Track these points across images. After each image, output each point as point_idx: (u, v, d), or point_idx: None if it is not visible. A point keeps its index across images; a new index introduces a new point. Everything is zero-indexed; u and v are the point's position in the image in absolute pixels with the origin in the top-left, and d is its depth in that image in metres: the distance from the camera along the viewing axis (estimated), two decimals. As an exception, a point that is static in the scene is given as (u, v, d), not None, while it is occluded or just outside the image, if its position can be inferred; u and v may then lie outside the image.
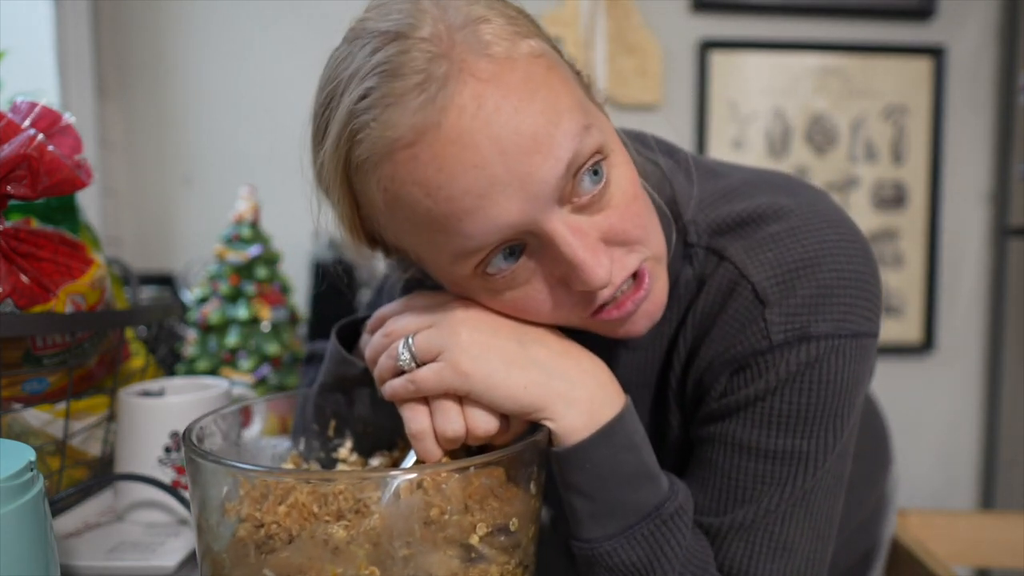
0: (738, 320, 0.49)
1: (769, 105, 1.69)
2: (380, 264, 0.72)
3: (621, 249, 0.46)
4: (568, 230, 0.42)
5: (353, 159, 0.42)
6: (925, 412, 1.76)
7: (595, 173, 0.43)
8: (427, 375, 0.45)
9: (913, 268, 1.72)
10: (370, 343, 0.51)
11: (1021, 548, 1.11)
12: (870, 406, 0.80)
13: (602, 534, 0.46)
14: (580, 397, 0.45)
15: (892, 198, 1.71)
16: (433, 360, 0.46)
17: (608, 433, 0.45)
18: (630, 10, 1.61)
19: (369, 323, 0.54)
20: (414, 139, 0.40)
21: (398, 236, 0.46)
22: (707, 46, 1.65)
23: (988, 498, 1.75)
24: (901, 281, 1.72)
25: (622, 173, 0.45)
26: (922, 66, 1.68)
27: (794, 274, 0.48)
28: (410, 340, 0.47)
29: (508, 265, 0.44)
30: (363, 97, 0.41)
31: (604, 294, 0.45)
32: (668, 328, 0.55)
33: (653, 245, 0.47)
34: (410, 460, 0.47)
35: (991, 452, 1.74)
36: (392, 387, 0.47)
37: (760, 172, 0.56)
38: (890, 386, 1.59)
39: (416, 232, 0.44)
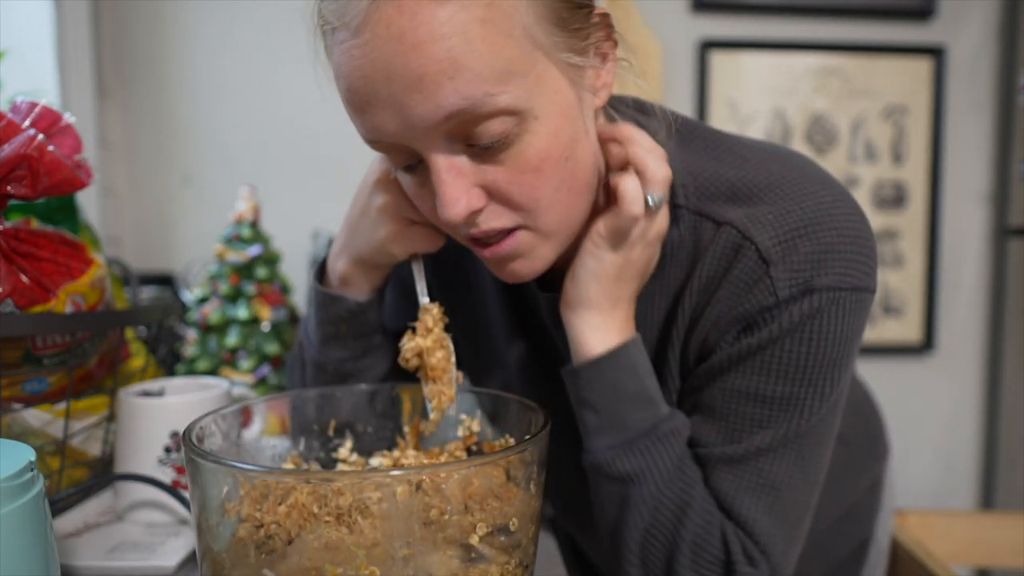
0: (744, 280, 0.51)
1: (769, 105, 1.69)
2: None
3: (503, 207, 0.48)
4: (445, 165, 0.46)
5: (321, 18, 0.47)
6: (925, 412, 1.76)
7: (496, 131, 0.45)
8: None
9: (913, 268, 1.72)
10: None
11: (1021, 548, 1.11)
12: (862, 393, 0.81)
13: (605, 444, 0.54)
14: (605, 327, 0.54)
15: (892, 198, 1.71)
16: None
17: (615, 356, 0.53)
18: (630, 10, 1.61)
19: None
20: (341, 28, 0.44)
21: None
22: (707, 46, 1.65)
23: (988, 498, 1.75)
24: (901, 281, 1.72)
25: (534, 143, 0.46)
26: (922, 66, 1.68)
27: (796, 233, 0.50)
28: None
29: (405, 165, 0.49)
30: None
31: (470, 232, 0.49)
32: (661, 288, 0.57)
33: (541, 220, 0.49)
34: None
35: (991, 452, 1.74)
36: None
37: (746, 137, 0.58)
38: (890, 386, 1.59)
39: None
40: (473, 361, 0.70)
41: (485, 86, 0.42)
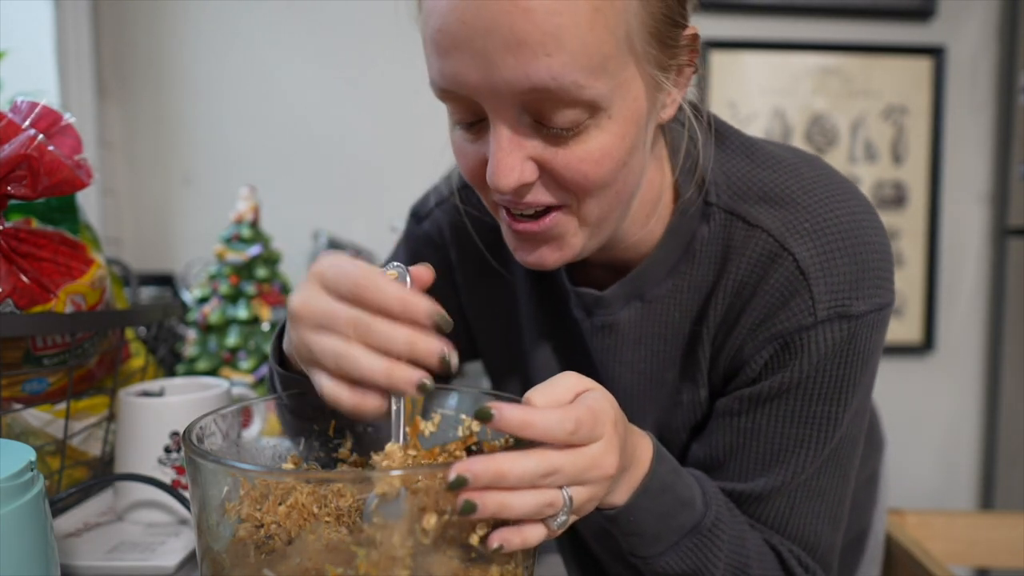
0: (781, 291, 0.52)
1: (769, 105, 1.69)
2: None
3: (553, 184, 0.48)
4: (508, 133, 0.45)
5: None
6: (925, 412, 1.76)
7: (570, 119, 0.44)
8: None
9: (913, 268, 1.72)
10: None
11: (1020, 548, 1.11)
12: None
13: (653, 552, 0.50)
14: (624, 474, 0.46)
15: (892, 198, 1.71)
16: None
17: (644, 488, 0.47)
18: (630, 10, 1.61)
19: None
20: None
21: None
22: (707, 46, 1.65)
23: (988, 498, 1.75)
24: (901, 281, 1.72)
25: (600, 138, 0.46)
26: (922, 66, 1.68)
27: (833, 247, 0.51)
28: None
29: (466, 122, 0.48)
30: None
31: (511, 202, 0.49)
32: (690, 284, 0.57)
33: (585, 207, 0.49)
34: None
35: (991, 452, 1.74)
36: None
37: (774, 141, 0.59)
38: (890, 386, 1.59)
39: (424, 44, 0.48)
40: (499, 355, 0.70)
41: (577, 75, 0.42)
